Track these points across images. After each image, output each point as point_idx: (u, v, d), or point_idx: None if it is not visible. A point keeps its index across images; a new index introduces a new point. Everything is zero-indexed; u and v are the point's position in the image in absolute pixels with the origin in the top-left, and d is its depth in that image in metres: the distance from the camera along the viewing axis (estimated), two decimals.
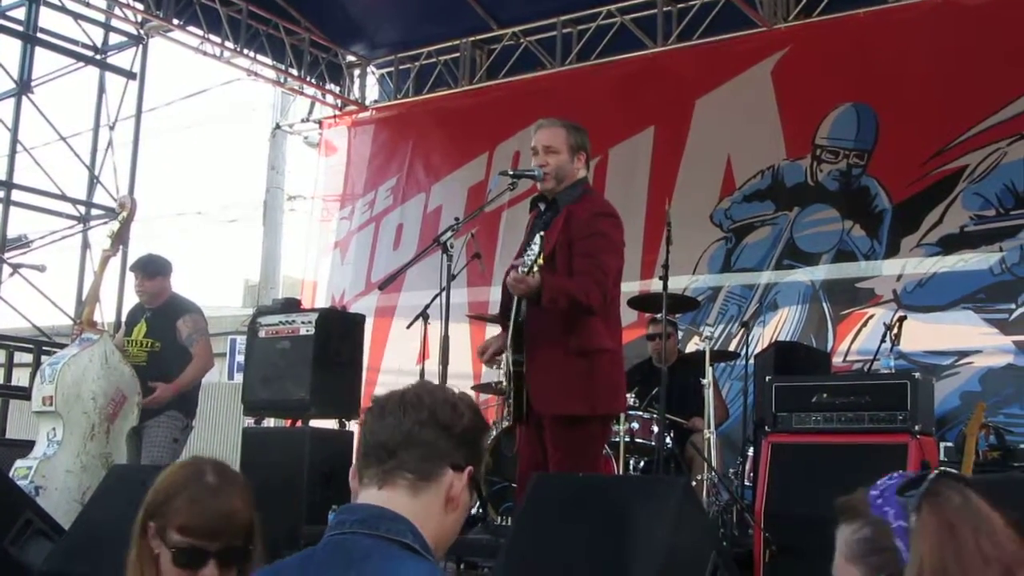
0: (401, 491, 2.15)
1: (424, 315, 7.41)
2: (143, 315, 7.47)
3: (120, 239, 7.47)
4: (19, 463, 6.54)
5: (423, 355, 7.57)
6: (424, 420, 2.19)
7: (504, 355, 5.20)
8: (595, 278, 5.04)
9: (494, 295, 7.75)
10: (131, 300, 8.30)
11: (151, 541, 2.56)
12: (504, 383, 5.24)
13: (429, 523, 2.15)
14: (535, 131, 5.36)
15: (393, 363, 10.67)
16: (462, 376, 8.47)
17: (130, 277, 8.09)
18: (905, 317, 7.79)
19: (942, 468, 1.80)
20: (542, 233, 4.83)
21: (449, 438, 2.20)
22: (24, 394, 8.70)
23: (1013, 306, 8.26)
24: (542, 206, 5.35)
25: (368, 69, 12.76)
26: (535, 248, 4.75)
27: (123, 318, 7.24)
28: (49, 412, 6.69)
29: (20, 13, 10.59)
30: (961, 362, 8.35)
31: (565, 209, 5.17)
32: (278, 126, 13.53)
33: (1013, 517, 1.75)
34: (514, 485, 5.92)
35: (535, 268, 4.78)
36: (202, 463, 2.68)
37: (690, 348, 8.99)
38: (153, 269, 7.50)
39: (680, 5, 10.37)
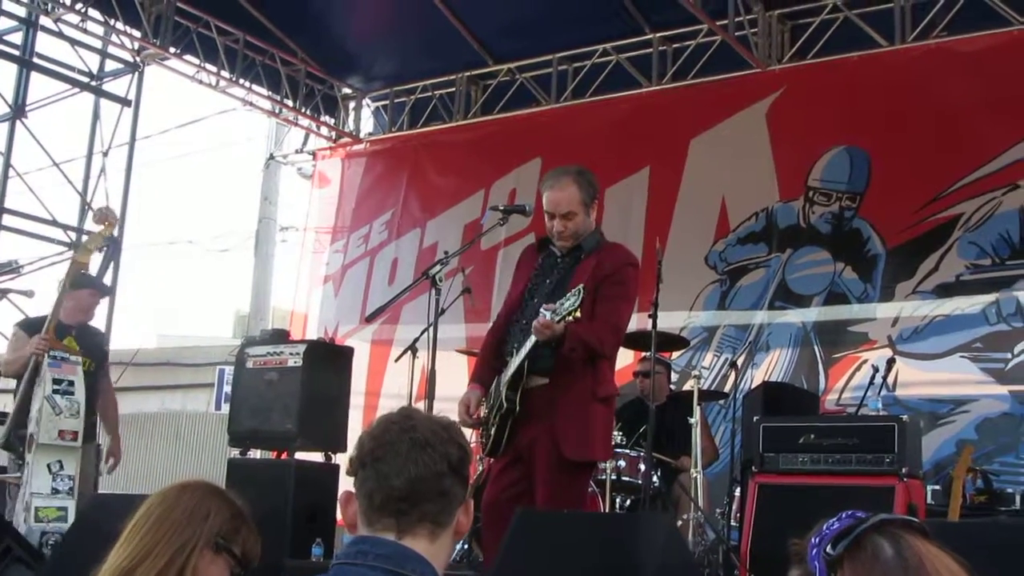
0: (421, 539, 2.17)
1: (413, 349, 7.40)
2: (69, 331, 7.09)
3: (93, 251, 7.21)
4: (40, 503, 6.06)
5: (415, 390, 7.49)
6: (442, 471, 2.18)
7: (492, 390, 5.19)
8: (612, 326, 5.13)
9: None
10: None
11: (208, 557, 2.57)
12: (489, 415, 5.19)
13: (441, 559, 2.21)
14: (545, 190, 5.19)
15: (393, 388, 10.58)
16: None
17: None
18: (895, 360, 7.78)
19: (885, 515, 1.71)
20: (583, 285, 4.77)
21: (459, 480, 2.23)
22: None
23: (1009, 356, 8.22)
24: (556, 251, 5.31)
25: (363, 102, 12.77)
26: (573, 299, 4.70)
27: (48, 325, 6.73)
28: (69, 446, 6.30)
29: (17, 38, 10.63)
30: (958, 410, 8.31)
31: (593, 256, 5.18)
32: (272, 156, 13.52)
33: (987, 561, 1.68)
34: None
35: (568, 318, 4.74)
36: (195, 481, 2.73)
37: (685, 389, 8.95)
38: (107, 290, 7.47)
39: (675, 45, 10.39)
